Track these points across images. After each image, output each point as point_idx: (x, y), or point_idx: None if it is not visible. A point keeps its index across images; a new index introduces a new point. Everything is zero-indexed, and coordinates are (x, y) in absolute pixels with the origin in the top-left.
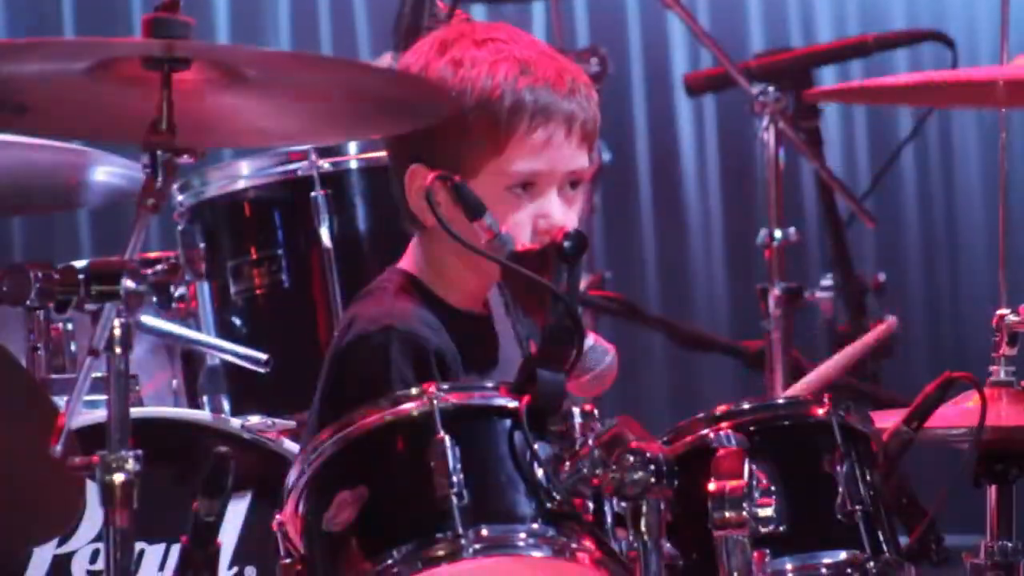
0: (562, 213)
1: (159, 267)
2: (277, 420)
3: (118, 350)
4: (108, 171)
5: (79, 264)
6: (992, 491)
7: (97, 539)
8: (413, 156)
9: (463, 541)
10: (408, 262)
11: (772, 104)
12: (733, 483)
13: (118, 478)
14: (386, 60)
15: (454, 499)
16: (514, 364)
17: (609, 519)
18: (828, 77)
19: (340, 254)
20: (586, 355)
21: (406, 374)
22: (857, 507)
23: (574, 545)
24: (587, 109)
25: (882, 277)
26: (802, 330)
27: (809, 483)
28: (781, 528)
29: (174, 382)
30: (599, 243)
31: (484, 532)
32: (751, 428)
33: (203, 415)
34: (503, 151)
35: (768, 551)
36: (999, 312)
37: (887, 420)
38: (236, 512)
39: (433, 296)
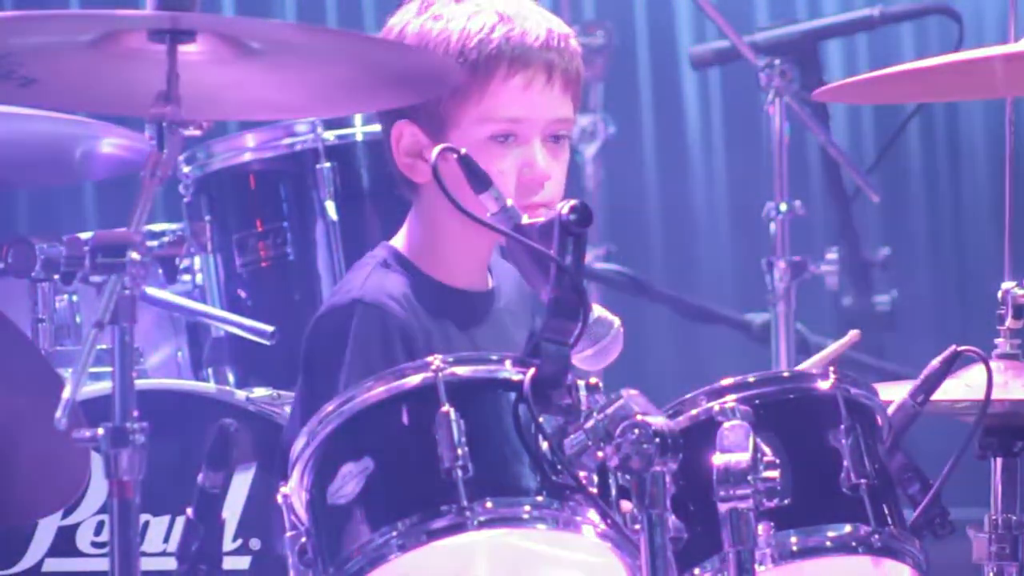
0: (546, 163)
1: (164, 239)
2: (282, 392)
3: (123, 322)
4: (113, 143)
5: (84, 236)
6: (997, 464)
7: (102, 511)
8: (397, 112)
9: (468, 514)
10: (400, 237)
11: (778, 78)
12: (738, 456)
13: (123, 450)
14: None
15: (459, 472)
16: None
17: (614, 492)
18: (834, 51)
19: (345, 227)
20: (591, 328)
21: (369, 347)
22: (862, 480)
23: (578, 518)
24: (567, 59)
25: (887, 251)
26: (807, 304)
27: (814, 456)
28: (785, 501)
29: (179, 354)
30: (604, 216)
31: (488, 505)
32: (756, 401)
33: (208, 387)
34: (483, 99)
35: (772, 524)
36: (1004, 285)
37: (892, 393)
38: (241, 484)
39: (419, 273)
